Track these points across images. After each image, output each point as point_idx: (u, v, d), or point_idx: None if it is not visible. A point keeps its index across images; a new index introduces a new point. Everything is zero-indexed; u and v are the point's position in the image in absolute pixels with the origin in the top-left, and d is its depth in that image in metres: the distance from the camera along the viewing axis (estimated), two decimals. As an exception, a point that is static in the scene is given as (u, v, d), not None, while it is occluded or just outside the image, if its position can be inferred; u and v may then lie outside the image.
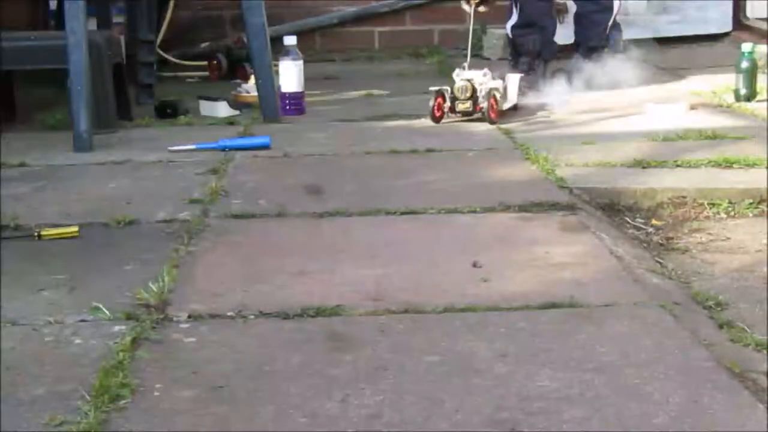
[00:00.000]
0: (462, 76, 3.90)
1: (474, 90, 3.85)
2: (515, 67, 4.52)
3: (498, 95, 3.89)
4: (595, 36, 4.60)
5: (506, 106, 3.99)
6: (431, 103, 3.85)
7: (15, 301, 2.14)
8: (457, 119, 3.87)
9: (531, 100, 4.17)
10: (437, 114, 3.85)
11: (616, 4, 4.64)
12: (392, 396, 1.69)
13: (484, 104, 3.82)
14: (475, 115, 3.85)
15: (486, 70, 3.94)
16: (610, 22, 4.62)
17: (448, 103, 3.87)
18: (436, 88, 3.90)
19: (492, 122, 3.79)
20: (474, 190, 2.89)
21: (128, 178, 3.16)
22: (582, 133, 3.64)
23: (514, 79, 4.08)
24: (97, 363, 1.82)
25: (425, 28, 5.87)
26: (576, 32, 4.68)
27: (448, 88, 3.89)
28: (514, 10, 4.58)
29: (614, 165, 3.16)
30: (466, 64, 3.96)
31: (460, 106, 3.84)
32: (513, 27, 4.59)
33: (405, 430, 1.58)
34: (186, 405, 1.67)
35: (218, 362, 1.83)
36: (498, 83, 3.95)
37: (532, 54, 4.52)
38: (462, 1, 4.18)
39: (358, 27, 5.97)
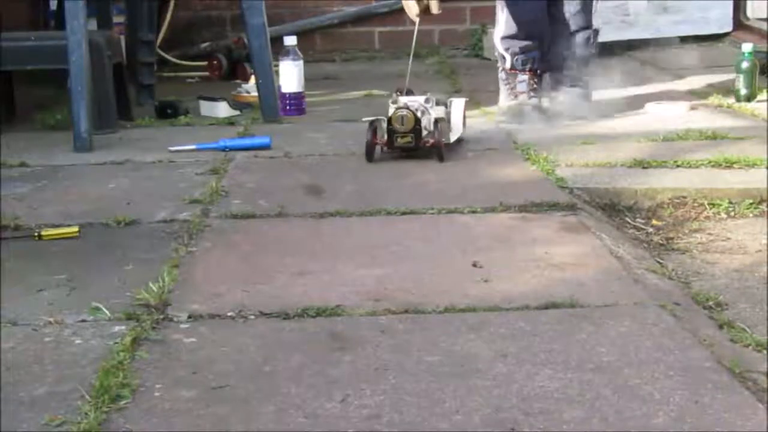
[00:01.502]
0: (400, 104, 3.26)
1: (417, 120, 3.21)
2: (509, 87, 3.92)
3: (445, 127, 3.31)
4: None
5: (452, 138, 3.36)
6: (367, 137, 3.25)
7: (15, 301, 2.14)
8: (394, 156, 3.29)
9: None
10: (368, 149, 3.26)
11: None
12: (392, 396, 1.69)
13: (430, 138, 3.24)
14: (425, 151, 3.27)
15: (429, 95, 3.32)
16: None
17: (384, 137, 3.25)
18: (371, 118, 3.30)
19: (442, 159, 3.21)
20: (474, 190, 2.89)
21: (128, 178, 3.16)
22: (582, 133, 3.64)
23: (458, 105, 3.41)
24: (97, 363, 1.82)
25: (425, 28, 5.87)
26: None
27: (384, 119, 3.26)
28: (501, 16, 3.88)
29: (614, 165, 3.15)
30: (404, 88, 3.36)
31: (400, 141, 3.22)
32: (503, 38, 3.91)
33: (405, 430, 1.58)
34: (186, 405, 1.67)
35: (218, 362, 1.83)
36: (441, 110, 3.34)
37: (533, 72, 3.90)
38: (406, 5, 3.47)
39: (358, 27, 5.97)
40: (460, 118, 3.39)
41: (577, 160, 3.21)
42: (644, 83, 4.52)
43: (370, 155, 3.25)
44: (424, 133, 3.24)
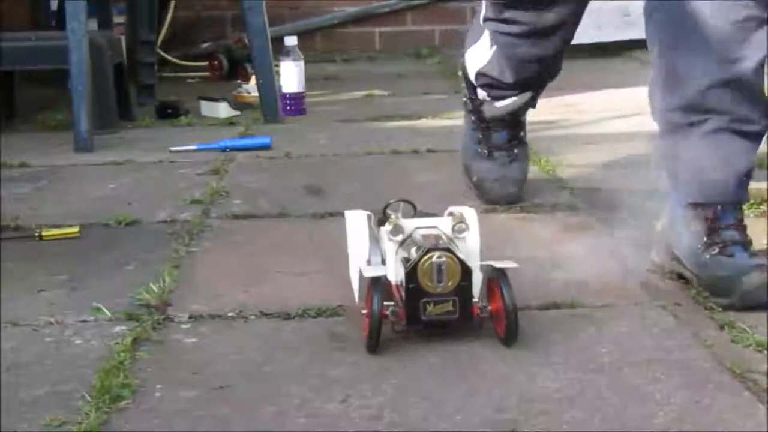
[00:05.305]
0: (410, 231, 1.83)
1: (465, 272, 1.79)
2: (482, 129, 2.73)
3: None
4: None
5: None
6: (372, 307, 1.78)
7: (15, 301, 2.14)
8: (411, 336, 1.86)
9: None
10: (373, 330, 1.78)
11: None
12: (393, 396, 1.68)
13: (487, 305, 1.84)
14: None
15: (452, 210, 1.89)
16: None
17: (397, 304, 1.79)
18: (373, 272, 1.82)
19: (514, 338, 1.82)
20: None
21: (129, 178, 3.16)
22: (583, 133, 3.64)
23: (470, 219, 1.89)
24: (97, 363, 1.82)
25: (426, 29, 5.87)
26: None
27: (398, 270, 1.80)
28: (486, 41, 2.62)
29: (615, 165, 3.15)
30: (395, 201, 1.91)
31: (433, 309, 1.79)
32: (484, 75, 2.66)
33: (406, 431, 1.58)
34: (186, 405, 1.67)
35: (219, 363, 1.83)
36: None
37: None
38: None
39: (358, 27, 5.97)
40: (478, 241, 1.90)
41: (577, 160, 3.21)
42: (644, 84, 4.51)
43: (373, 342, 1.80)
44: (479, 297, 1.86)
